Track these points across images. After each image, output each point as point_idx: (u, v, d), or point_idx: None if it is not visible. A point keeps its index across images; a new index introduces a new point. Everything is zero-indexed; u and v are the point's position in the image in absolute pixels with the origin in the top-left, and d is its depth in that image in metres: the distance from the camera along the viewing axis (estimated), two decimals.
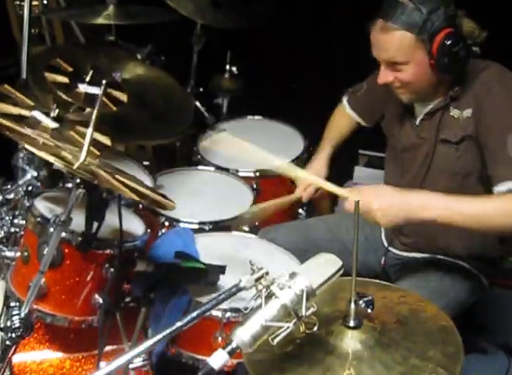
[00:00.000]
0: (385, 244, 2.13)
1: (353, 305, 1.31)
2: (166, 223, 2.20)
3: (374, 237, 2.15)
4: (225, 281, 1.80)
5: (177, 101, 2.48)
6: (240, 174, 2.54)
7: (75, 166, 1.16)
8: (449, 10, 1.75)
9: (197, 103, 2.82)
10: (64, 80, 1.89)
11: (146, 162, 2.58)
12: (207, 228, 2.20)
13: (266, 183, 2.55)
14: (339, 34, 3.07)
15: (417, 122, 1.95)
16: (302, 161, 2.66)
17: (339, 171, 3.26)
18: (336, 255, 2.07)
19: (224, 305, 1.70)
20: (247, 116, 2.90)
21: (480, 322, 2.48)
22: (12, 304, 1.52)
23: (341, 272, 1.26)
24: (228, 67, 2.85)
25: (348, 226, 2.15)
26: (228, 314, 1.70)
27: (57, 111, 1.63)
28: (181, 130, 2.47)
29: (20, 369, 1.84)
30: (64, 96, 1.80)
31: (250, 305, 1.37)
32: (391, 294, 1.48)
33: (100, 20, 2.32)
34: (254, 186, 2.51)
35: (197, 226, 2.19)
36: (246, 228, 2.27)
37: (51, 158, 1.13)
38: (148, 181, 2.28)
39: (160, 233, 2.19)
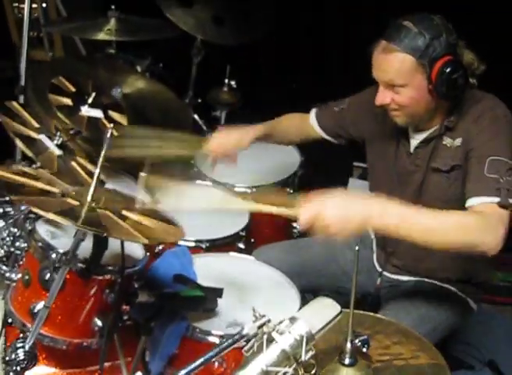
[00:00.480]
0: (378, 267, 2.15)
1: (349, 345, 1.34)
2: None
3: (366, 259, 2.18)
4: (222, 304, 1.84)
5: (175, 116, 2.52)
6: (237, 189, 2.56)
7: (78, 223, 1.16)
8: (451, 38, 1.79)
9: (196, 116, 2.84)
10: (67, 102, 1.92)
11: (143, 174, 2.59)
12: (203, 246, 2.24)
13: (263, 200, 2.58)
14: (338, 48, 3.09)
15: (412, 149, 1.97)
16: (297, 177, 2.71)
17: (334, 183, 3.31)
18: (330, 275, 2.15)
19: (221, 332, 1.74)
20: None
21: (467, 338, 2.54)
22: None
23: (339, 316, 1.30)
24: (227, 81, 2.86)
25: (342, 248, 2.18)
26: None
27: (60, 139, 1.66)
28: None
29: None
30: (66, 120, 1.83)
31: (246, 333, 1.45)
32: (385, 329, 1.52)
33: (101, 36, 2.34)
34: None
35: (193, 244, 2.23)
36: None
37: (58, 218, 1.14)
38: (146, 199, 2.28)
39: (157, 249, 2.23)
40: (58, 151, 1.62)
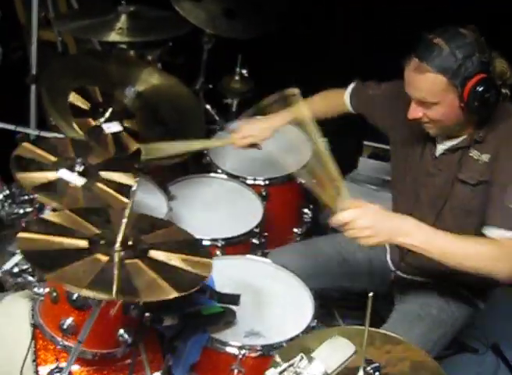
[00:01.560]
0: (392, 266, 2.21)
1: (361, 373, 1.44)
2: None
3: (379, 259, 2.25)
4: (239, 311, 1.93)
5: (189, 112, 2.55)
6: (249, 182, 2.61)
7: (113, 296, 1.20)
8: (484, 56, 1.79)
9: (208, 106, 2.86)
10: (86, 107, 1.96)
11: None
12: (219, 244, 2.31)
13: (275, 190, 2.64)
14: (350, 39, 3.07)
15: (437, 154, 2.01)
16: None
17: (344, 161, 3.36)
18: (342, 277, 2.22)
19: (240, 343, 1.84)
20: (256, 116, 2.95)
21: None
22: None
23: (354, 356, 1.38)
24: (238, 70, 2.86)
25: (355, 249, 2.25)
26: (243, 351, 1.83)
27: (82, 165, 1.70)
28: None
29: None
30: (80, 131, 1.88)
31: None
32: (395, 348, 1.61)
33: (113, 36, 2.34)
34: (264, 193, 2.60)
35: (209, 243, 2.30)
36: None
37: (91, 294, 1.20)
38: (163, 203, 2.35)
39: None
40: (80, 181, 1.68)
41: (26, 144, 1.71)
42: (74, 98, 1.88)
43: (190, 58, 2.86)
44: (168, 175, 2.58)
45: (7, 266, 1.94)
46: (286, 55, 3.05)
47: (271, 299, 2.04)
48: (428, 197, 2.03)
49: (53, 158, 1.71)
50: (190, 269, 1.37)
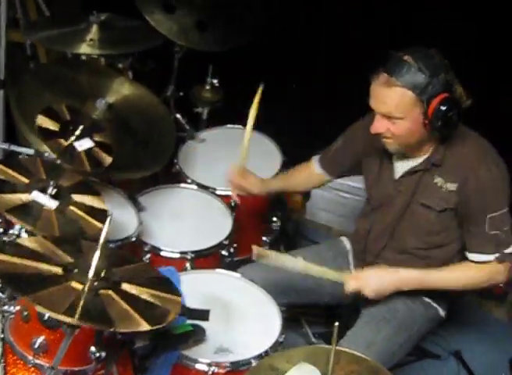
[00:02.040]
0: None
1: None
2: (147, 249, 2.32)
3: (342, 269, 2.30)
4: (209, 327, 1.97)
5: (160, 123, 2.56)
6: (219, 193, 2.64)
7: (75, 319, 1.23)
8: (448, 76, 1.87)
9: (178, 115, 2.87)
10: (55, 127, 1.96)
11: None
12: (189, 257, 2.34)
13: (244, 200, 2.65)
14: (326, 46, 3.11)
15: (396, 177, 2.08)
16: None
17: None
18: (309, 291, 2.27)
19: (209, 359, 1.88)
20: (226, 125, 2.97)
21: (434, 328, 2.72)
22: None
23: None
24: (209, 79, 2.87)
25: (322, 263, 2.28)
26: (213, 368, 1.87)
27: (54, 188, 1.71)
28: (166, 157, 2.56)
29: None
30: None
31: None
32: (359, 367, 1.66)
33: (83, 48, 2.33)
34: (233, 204, 2.63)
35: (178, 256, 2.33)
36: None
37: (66, 319, 1.21)
38: (134, 217, 2.36)
39: (144, 259, 2.33)
40: (53, 204, 1.69)
41: None
42: (42, 121, 1.88)
43: (160, 65, 2.85)
44: (138, 185, 2.59)
45: None
46: (256, 66, 3.07)
47: (239, 314, 2.08)
48: (390, 216, 2.11)
49: (25, 180, 1.71)
50: (160, 305, 1.39)
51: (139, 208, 2.45)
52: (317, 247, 2.44)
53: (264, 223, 2.82)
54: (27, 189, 1.69)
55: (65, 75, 2.45)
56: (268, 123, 2.86)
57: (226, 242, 2.43)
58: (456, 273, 2.05)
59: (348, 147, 2.26)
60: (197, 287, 2.15)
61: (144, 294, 1.41)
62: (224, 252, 2.44)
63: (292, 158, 2.87)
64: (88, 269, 1.38)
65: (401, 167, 2.06)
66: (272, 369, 1.62)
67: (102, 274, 1.41)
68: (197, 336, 1.88)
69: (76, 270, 1.40)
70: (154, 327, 1.29)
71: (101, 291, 1.35)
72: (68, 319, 1.23)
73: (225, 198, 2.62)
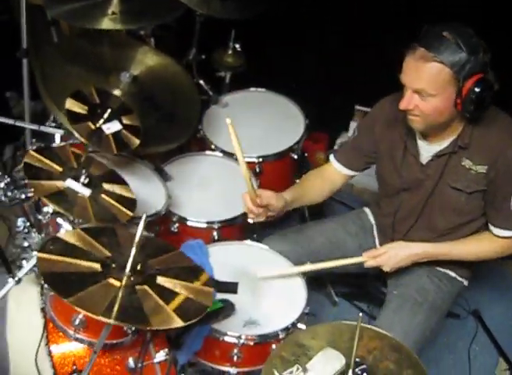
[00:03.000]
0: None
1: (351, 373, 1.58)
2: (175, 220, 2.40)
3: (368, 244, 2.37)
4: (237, 299, 2.06)
5: (185, 94, 2.57)
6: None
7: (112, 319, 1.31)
8: (486, 57, 1.83)
9: (201, 81, 2.87)
10: (83, 111, 2.01)
11: None
12: (216, 226, 2.41)
13: (268, 166, 2.71)
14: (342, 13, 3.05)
15: (424, 162, 2.07)
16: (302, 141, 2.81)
17: (335, 124, 3.44)
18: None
19: (238, 333, 1.98)
20: (250, 88, 2.98)
21: None
22: None
23: (344, 368, 1.52)
24: (231, 44, 2.86)
25: (345, 237, 2.38)
26: (242, 340, 1.98)
27: (86, 176, 1.77)
28: (191, 128, 2.59)
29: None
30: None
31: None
32: (381, 343, 1.74)
33: (106, 23, 2.32)
34: (257, 170, 2.68)
35: (205, 226, 2.40)
36: None
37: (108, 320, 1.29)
38: (161, 191, 2.42)
39: (173, 228, 2.41)
40: (87, 192, 1.75)
41: (32, 153, 1.77)
42: (71, 104, 1.91)
43: (182, 29, 2.84)
44: (165, 153, 2.62)
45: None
46: (279, 33, 3.04)
47: (266, 285, 2.16)
48: (418, 198, 2.12)
49: (59, 168, 1.77)
50: (193, 298, 1.47)
51: (166, 178, 2.51)
52: (342, 219, 2.45)
53: (290, 186, 2.86)
54: (62, 177, 1.75)
55: (87, 48, 2.45)
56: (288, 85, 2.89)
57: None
58: (470, 246, 2.10)
59: (367, 135, 2.21)
60: (225, 259, 2.22)
61: (177, 287, 1.48)
62: (250, 220, 2.50)
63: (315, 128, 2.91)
64: (125, 262, 1.46)
65: (427, 151, 2.05)
66: (299, 346, 1.71)
67: (138, 267, 1.48)
68: (227, 312, 1.97)
69: (113, 265, 1.48)
70: (187, 323, 1.37)
71: (138, 287, 1.43)
72: (106, 320, 1.31)
73: (250, 165, 2.67)
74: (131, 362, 1.99)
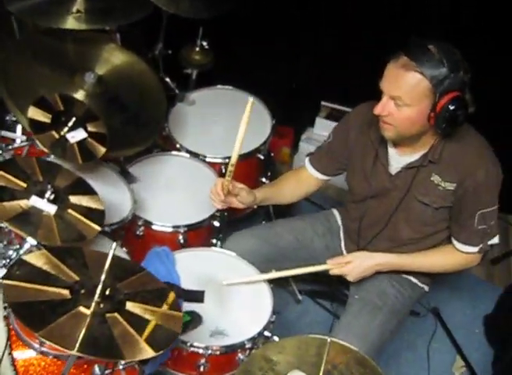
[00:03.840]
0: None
1: None
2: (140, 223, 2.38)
3: (334, 245, 2.40)
4: (204, 308, 2.07)
5: (151, 93, 2.53)
6: (209, 160, 2.66)
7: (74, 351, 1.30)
8: (466, 76, 1.85)
9: (167, 79, 2.83)
10: (46, 119, 1.96)
11: None
12: (182, 230, 2.40)
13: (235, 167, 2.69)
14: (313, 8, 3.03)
15: (393, 172, 2.09)
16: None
17: (300, 119, 3.44)
18: (301, 261, 2.35)
19: (205, 343, 1.99)
20: (217, 86, 2.95)
21: None
22: None
23: None
24: (199, 41, 2.81)
25: (312, 237, 2.40)
26: (209, 351, 1.99)
27: (52, 192, 1.73)
28: (158, 129, 2.55)
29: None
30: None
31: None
32: (346, 357, 1.76)
33: (70, 23, 2.24)
34: (223, 170, 2.67)
35: (171, 230, 2.39)
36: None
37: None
38: (127, 194, 2.40)
39: (138, 232, 2.39)
40: (52, 209, 1.71)
41: None
42: (34, 113, 1.86)
43: (149, 24, 2.77)
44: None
45: None
46: (246, 30, 3.01)
47: (233, 293, 2.17)
48: (384, 207, 2.14)
49: (23, 184, 1.72)
50: (162, 324, 1.46)
51: (131, 180, 2.48)
52: (311, 219, 2.46)
53: (255, 185, 2.86)
54: (26, 194, 1.70)
55: (51, 45, 2.38)
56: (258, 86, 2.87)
57: (218, 214, 2.49)
58: (433, 259, 2.16)
59: (342, 140, 2.22)
60: (192, 267, 2.22)
61: (147, 313, 1.48)
62: (216, 223, 2.50)
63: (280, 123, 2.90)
64: (94, 287, 1.44)
65: (397, 162, 2.07)
66: (266, 361, 1.73)
67: (107, 292, 1.47)
68: (194, 323, 1.98)
69: (82, 291, 1.46)
70: (158, 353, 1.37)
71: (108, 315, 1.42)
72: (80, 354, 1.30)
73: (215, 166, 2.66)
74: (97, 369, 1.98)
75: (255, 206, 2.44)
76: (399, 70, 1.85)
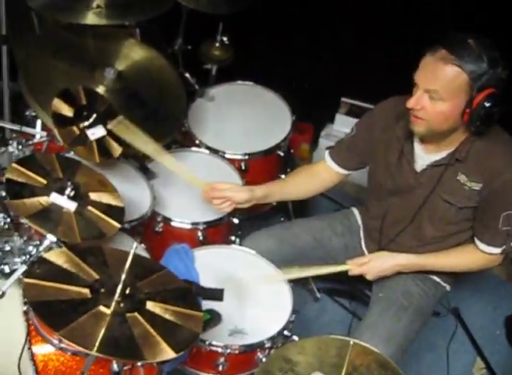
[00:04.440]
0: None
1: None
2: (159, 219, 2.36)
3: (354, 244, 2.37)
4: (223, 307, 2.03)
5: (171, 89, 2.52)
6: (228, 156, 2.64)
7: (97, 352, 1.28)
8: (504, 73, 1.82)
9: (187, 75, 2.81)
10: (69, 113, 1.95)
11: None
12: (201, 228, 2.38)
13: (254, 164, 2.68)
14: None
15: (419, 170, 2.05)
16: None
17: (320, 115, 3.42)
18: (319, 261, 2.34)
19: (223, 342, 1.97)
20: (237, 81, 2.92)
21: None
22: None
23: None
24: (219, 37, 2.79)
25: (330, 236, 2.37)
26: (227, 350, 1.98)
27: (72, 189, 1.72)
28: (178, 125, 2.54)
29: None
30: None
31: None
32: (367, 359, 1.75)
33: (90, 18, 2.24)
34: (243, 167, 2.65)
35: (190, 227, 2.37)
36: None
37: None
38: (147, 190, 2.38)
39: (157, 228, 2.38)
40: (72, 206, 1.70)
41: (15, 165, 1.71)
42: (58, 105, 1.85)
43: (168, 20, 2.76)
44: None
45: None
46: (267, 26, 2.98)
47: (252, 292, 2.15)
48: (409, 204, 2.11)
49: (43, 181, 1.71)
50: (183, 325, 1.45)
51: (150, 176, 2.47)
52: (329, 218, 2.43)
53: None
54: (46, 191, 1.70)
55: (71, 40, 2.38)
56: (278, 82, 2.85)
57: (237, 211, 2.47)
58: (454, 259, 2.13)
59: (366, 134, 2.17)
60: (211, 264, 2.20)
61: (167, 313, 1.46)
62: (235, 220, 2.49)
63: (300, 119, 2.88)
64: (115, 286, 1.43)
65: (423, 159, 2.03)
66: (286, 361, 1.72)
67: (127, 291, 1.46)
68: (214, 322, 1.96)
69: (102, 290, 1.45)
70: (178, 355, 1.36)
71: (128, 315, 1.40)
72: (101, 355, 1.29)
73: (235, 162, 2.65)
74: (115, 366, 1.98)
75: (267, 202, 2.37)
76: (437, 63, 1.81)
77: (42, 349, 1.93)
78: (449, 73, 1.80)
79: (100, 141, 1.95)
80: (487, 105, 1.81)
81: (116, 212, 1.77)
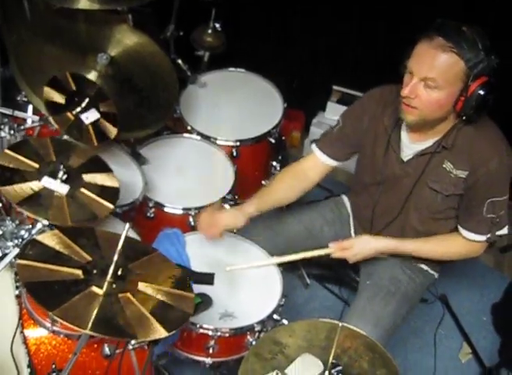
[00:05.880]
0: None
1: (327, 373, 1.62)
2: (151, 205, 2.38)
3: (344, 232, 2.39)
4: (213, 291, 2.06)
5: (163, 75, 2.51)
6: (220, 143, 2.65)
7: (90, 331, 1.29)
8: (496, 62, 1.82)
9: (179, 61, 2.81)
10: (61, 100, 1.95)
11: None
12: (192, 213, 2.40)
13: (245, 150, 2.70)
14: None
15: (405, 159, 2.06)
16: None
17: (312, 103, 3.43)
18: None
19: (214, 325, 1.99)
20: (229, 68, 2.93)
21: None
22: None
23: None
24: (211, 24, 2.79)
25: (322, 225, 2.39)
26: (218, 333, 2.00)
27: (64, 172, 1.73)
28: (170, 112, 2.54)
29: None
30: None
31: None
32: (356, 342, 1.78)
33: (82, 3, 2.23)
34: (234, 153, 2.67)
35: (181, 212, 2.39)
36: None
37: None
38: (138, 175, 2.40)
39: (149, 214, 2.40)
40: (64, 189, 1.71)
41: (7, 152, 1.71)
42: (49, 94, 1.85)
43: (161, 5, 2.76)
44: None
45: None
46: (259, 13, 2.99)
47: (242, 276, 2.18)
48: (395, 195, 2.13)
49: (35, 165, 1.72)
50: (174, 305, 1.46)
51: (142, 161, 2.48)
52: (320, 207, 2.45)
53: (266, 169, 2.87)
54: (38, 175, 1.70)
55: (63, 25, 2.36)
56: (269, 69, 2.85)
57: (229, 197, 2.48)
58: (436, 245, 2.14)
59: (355, 124, 2.17)
60: (202, 249, 2.23)
61: (159, 293, 1.48)
62: (227, 206, 2.50)
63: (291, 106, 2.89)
64: (107, 267, 1.45)
65: (409, 149, 2.04)
66: (275, 344, 1.74)
67: (119, 272, 1.47)
68: (204, 306, 1.98)
69: (94, 271, 1.47)
70: (170, 333, 1.38)
71: (120, 295, 1.42)
72: (93, 333, 1.31)
73: (226, 148, 2.66)
74: (107, 349, 2.00)
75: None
76: (434, 51, 1.79)
77: (34, 333, 1.94)
78: (447, 61, 1.79)
79: (95, 125, 1.96)
80: (482, 93, 1.81)
81: (110, 193, 1.77)
